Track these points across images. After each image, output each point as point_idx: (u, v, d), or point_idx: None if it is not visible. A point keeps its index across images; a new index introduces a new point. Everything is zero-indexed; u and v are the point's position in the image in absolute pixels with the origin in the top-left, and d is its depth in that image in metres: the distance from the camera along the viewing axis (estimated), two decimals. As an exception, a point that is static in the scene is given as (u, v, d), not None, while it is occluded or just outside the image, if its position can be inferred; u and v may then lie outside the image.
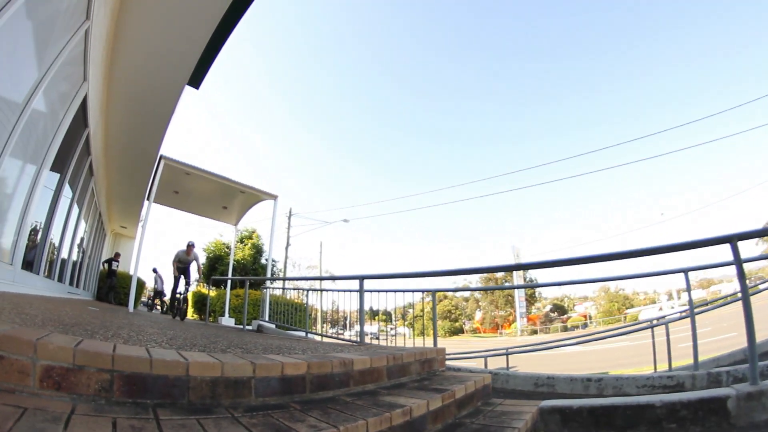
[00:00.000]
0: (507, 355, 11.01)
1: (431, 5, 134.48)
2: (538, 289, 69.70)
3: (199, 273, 12.58)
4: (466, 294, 75.27)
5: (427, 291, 6.91)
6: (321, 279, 12.68)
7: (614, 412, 3.04)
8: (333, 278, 10.32)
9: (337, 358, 2.68)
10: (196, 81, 8.57)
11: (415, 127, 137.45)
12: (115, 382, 1.72)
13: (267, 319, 11.87)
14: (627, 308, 60.40)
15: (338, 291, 8.12)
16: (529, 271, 67.83)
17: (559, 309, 69.81)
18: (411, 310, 10.86)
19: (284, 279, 18.00)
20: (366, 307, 6.82)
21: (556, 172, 74.50)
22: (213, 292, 17.97)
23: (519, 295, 62.85)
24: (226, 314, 15.11)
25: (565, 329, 56.72)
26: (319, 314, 13.37)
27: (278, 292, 15.10)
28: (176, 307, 11.96)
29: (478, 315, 72.72)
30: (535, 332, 58.57)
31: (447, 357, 4.94)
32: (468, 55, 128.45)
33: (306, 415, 2.01)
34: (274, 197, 15.21)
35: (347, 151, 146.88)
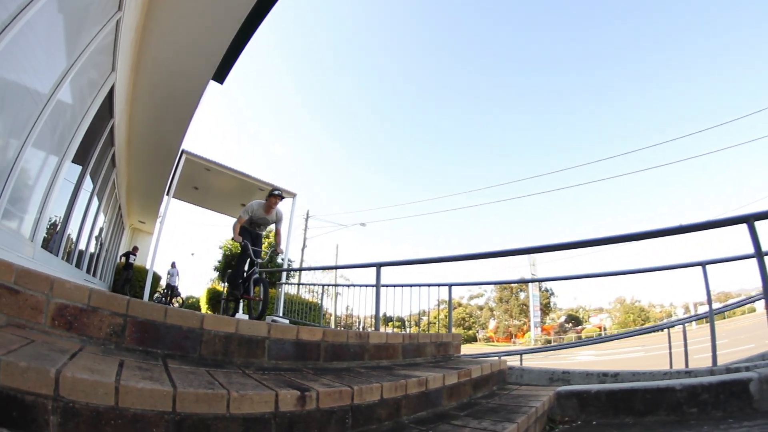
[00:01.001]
0: (521, 354, 10.94)
1: (454, 17, 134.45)
2: (553, 300, 69.27)
3: (278, 244, 8.05)
4: (481, 302, 74.80)
5: (443, 285, 6.86)
6: (336, 268, 12.61)
7: (633, 396, 2.96)
8: (349, 266, 10.36)
9: (353, 331, 2.66)
10: (220, 76, 8.62)
11: (434, 133, 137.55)
12: (127, 327, 1.71)
13: (281, 314, 11.83)
14: (643, 320, 59.61)
15: (354, 286, 8.27)
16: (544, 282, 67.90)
17: (574, 320, 69.03)
18: (425, 317, 10.83)
19: (300, 270, 17.87)
20: (380, 312, 6.84)
21: (577, 178, 74.13)
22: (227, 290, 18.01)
23: (534, 305, 62.54)
24: (240, 310, 15.10)
25: (579, 340, 56.13)
26: (333, 318, 12.44)
27: (293, 291, 15.08)
28: (242, 296, 7.67)
29: (492, 324, 72.31)
30: (549, 342, 58.01)
31: (488, 356, 4.92)
32: (492, 66, 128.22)
33: (319, 377, 1.98)
34: (293, 195, 15.20)
35: (367, 157, 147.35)
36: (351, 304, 8.73)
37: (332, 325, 13.99)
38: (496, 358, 3.78)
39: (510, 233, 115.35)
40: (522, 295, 66.88)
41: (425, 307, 7.19)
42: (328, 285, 14.69)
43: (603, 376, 5.33)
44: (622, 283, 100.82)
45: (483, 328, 72.86)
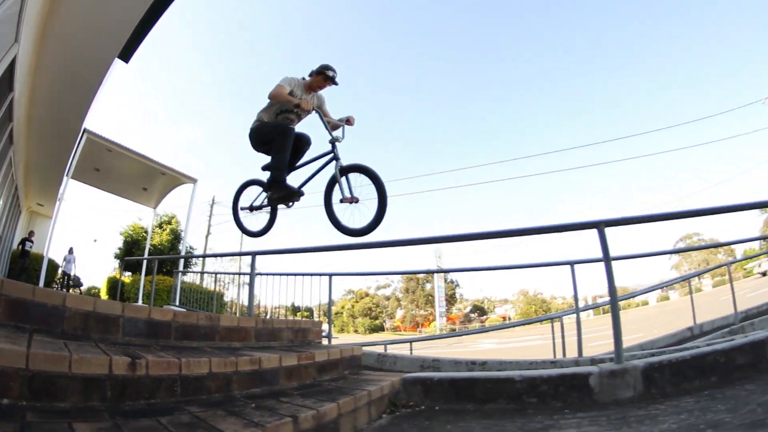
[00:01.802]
0: (411, 342, 11.36)
1: None
2: (459, 291, 71.93)
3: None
4: (388, 292, 76.10)
5: (324, 275, 7.28)
6: (206, 257, 12.51)
7: (474, 384, 3.17)
8: (220, 255, 10.37)
9: (204, 313, 3.14)
10: (126, 54, 8.54)
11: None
12: (1, 304, 2.11)
13: (177, 303, 11.84)
14: (544, 311, 63.11)
15: (225, 274, 8.25)
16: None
17: (480, 310, 72.21)
18: (334, 307, 10.99)
19: (187, 257, 17.64)
20: (287, 302, 7.12)
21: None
22: (127, 278, 17.73)
23: (439, 296, 64.66)
24: (140, 300, 14.87)
25: (482, 331, 58.59)
26: (238, 308, 11.95)
27: (194, 280, 14.89)
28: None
29: (399, 314, 74.03)
30: (453, 331, 60.17)
31: (346, 343, 5.43)
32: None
33: (161, 351, 2.43)
34: (194, 180, 15.05)
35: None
36: (259, 294, 8.52)
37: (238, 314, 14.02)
38: (350, 347, 4.16)
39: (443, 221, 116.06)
40: (428, 286, 68.85)
41: (333, 298, 7.52)
42: (201, 272, 14.65)
43: (471, 365, 5.60)
44: (526, 276, 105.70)
45: (391, 318, 74.32)
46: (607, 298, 3.87)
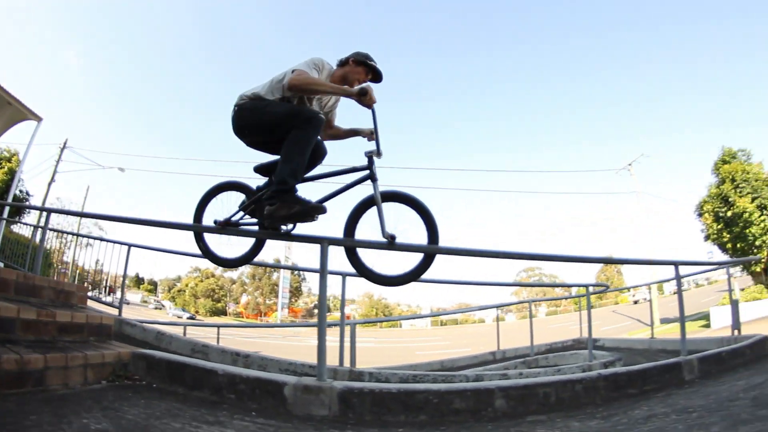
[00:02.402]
0: (218, 327, 11.62)
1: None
2: (306, 285, 72.56)
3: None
4: (234, 275, 74.58)
5: (123, 243, 7.14)
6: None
7: (185, 370, 3.28)
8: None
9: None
10: None
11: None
12: None
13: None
14: (385, 315, 65.57)
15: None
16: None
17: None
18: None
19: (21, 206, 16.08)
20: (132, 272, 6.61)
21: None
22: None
23: (283, 286, 64.87)
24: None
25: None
26: (77, 269, 10.92)
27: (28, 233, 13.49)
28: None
29: (244, 299, 73.10)
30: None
31: (144, 321, 5.80)
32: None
33: None
34: (38, 119, 13.33)
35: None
36: (102, 259, 8.00)
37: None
38: (99, 315, 4.22)
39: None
40: (275, 276, 68.51)
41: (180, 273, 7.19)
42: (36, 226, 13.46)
43: (236, 356, 5.94)
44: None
45: (235, 303, 72.98)
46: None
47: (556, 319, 43.39)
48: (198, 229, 3.75)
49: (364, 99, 3.24)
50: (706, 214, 20.37)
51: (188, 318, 48.65)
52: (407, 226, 3.43)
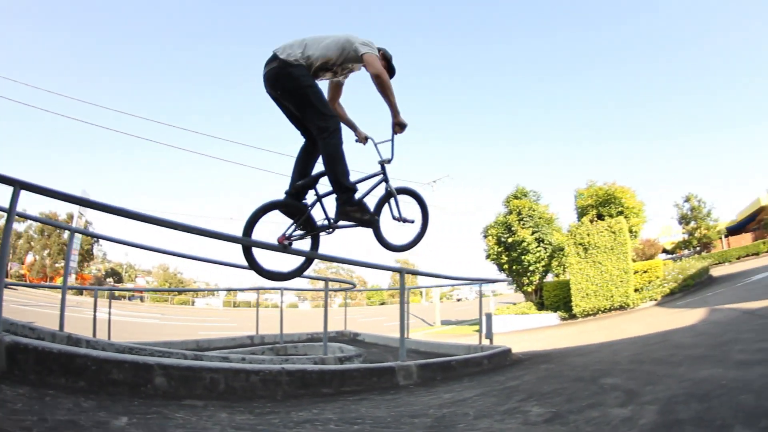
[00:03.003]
0: None
1: None
2: (100, 249, 65.64)
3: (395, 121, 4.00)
4: (21, 228, 60.33)
5: None
6: None
7: None
8: None
9: None
10: None
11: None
12: None
13: None
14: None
15: None
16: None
17: (117, 275, 67.28)
18: None
19: None
20: None
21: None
22: None
23: (72, 248, 58.19)
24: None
25: (113, 297, 54.81)
26: None
27: None
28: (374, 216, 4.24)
29: (30, 258, 63.17)
30: (81, 293, 54.76)
31: None
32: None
33: None
34: None
35: None
36: None
37: None
38: None
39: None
40: (66, 234, 60.03)
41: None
42: None
43: None
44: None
45: (20, 263, 62.92)
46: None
47: (349, 311, 44.92)
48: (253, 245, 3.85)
49: (400, 129, 3.91)
50: (491, 237, 22.51)
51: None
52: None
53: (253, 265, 3.89)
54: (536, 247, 20.90)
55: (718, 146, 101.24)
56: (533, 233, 21.02)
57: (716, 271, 23.94)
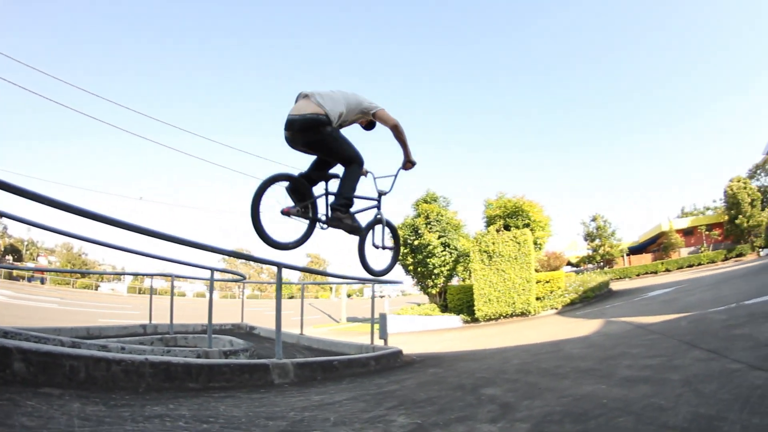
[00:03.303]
0: None
1: None
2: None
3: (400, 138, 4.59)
4: None
5: None
6: None
7: None
8: None
9: None
10: None
11: None
12: None
13: None
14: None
15: None
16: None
17: (17, 253, 62.89)
18: None
19: None
20: None
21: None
22: None
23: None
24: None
25: (10, 277, 50.96)
26: None
27: None
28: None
29: None
30: (-34, 267, 50.44)
31: None
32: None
33: None
34: None
35: None
36: None
37: None
38: None
39: None
40: None
41: None
42: None
43: None
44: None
45: None
46: None
47: (259, 303, 43.98)
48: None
49: (411, 165, 4.64)
50: (396, 238, 22.79)
51: None
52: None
53: (260, 232, 4.08)
54: (442, 251, 21.35)
55: (627, 175, 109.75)
56: (440, 237, 21.48)
57: (616, 286, 25.52)
